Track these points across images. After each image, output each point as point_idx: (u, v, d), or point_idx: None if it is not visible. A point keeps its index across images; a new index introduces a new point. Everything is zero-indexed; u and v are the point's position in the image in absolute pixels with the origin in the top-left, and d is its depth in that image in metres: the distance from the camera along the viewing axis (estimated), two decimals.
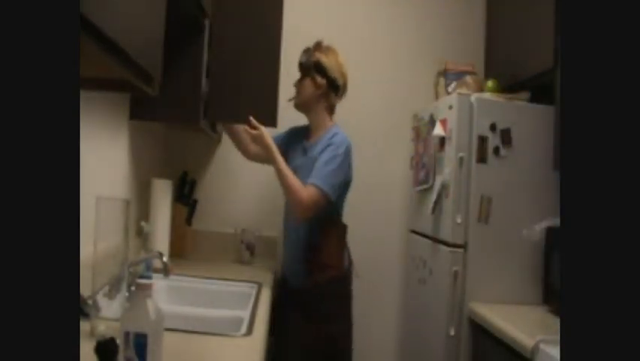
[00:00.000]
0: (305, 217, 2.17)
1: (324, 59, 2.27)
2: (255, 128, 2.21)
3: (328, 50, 2.32)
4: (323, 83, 2.26)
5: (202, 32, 2.12)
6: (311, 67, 2.28)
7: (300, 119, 2.42)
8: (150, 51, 1.05)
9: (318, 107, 2.31)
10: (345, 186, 2.25)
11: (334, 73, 2.27)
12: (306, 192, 2.12)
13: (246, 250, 2.62)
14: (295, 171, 2.23)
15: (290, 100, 2.35)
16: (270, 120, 2.23)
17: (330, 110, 2.33)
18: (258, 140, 2.22)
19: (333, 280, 2.25)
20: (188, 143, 2.83)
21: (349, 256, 2.34)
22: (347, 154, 2.21)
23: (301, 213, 2.17)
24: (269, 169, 2.87)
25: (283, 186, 2.20)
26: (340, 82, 2.29)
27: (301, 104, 2.33)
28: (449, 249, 2.24)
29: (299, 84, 2.33)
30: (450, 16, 2.99)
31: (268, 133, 2.23)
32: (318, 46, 2.32)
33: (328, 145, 2.20)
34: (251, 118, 2.20)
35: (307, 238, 2.24)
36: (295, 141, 2.40)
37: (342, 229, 2.32)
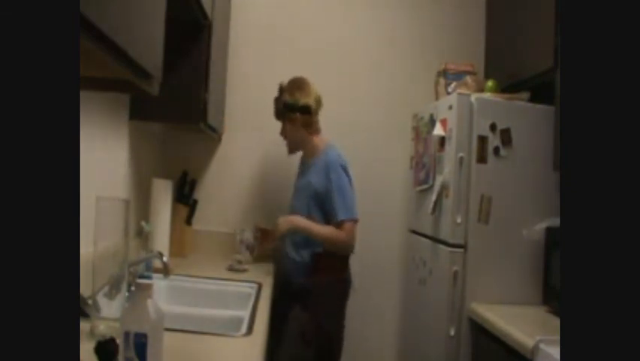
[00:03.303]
0: (353, 250, 2.32)
1: (288, 98, 2.36)
2: (268, 235, 2.49)
3: (292, 84, 2.40)
4: (298, 117, 2.36)
5: (202, 33, 2.12)
6: (282, 112, 2.39)
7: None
8: (150, 51, 1.05)
9: (305, 138, 2.41)
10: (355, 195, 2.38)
11: (302, 101, 2.35)
12: (342, 233, 2.25)
13: (245, 250, 2.62)
14: (297, 190, 2.45)
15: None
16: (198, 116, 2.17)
17: (315, 130, 2.42)
18: (283, 230, 2.36)
19: (332, 285, 2.33)
20: (188, 143, 2.83)
21: (349, 271, 2.42)
22: (345, 171, 2.32)
23: (349, 250, 2.32)
24: (269, 170, 2.89)
25: (321, 241, 2.31)
26: (312, 103, 2.37)
27: (293, 147, 2.48)
28: (449, 249, 2.23)
29: (282, 131, 2.45)
30: (450, 16, 2.99)
31: (283, 221, 2.36)
32: (281, 89, 2.42)
33: (327, 173, 2.29)
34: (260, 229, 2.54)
35: (312, 242, 2.31)
36: (301, 160, 2.54)
37: None
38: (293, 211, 2.45)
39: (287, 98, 2.36)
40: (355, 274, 2.45)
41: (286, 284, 2.44)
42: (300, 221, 2.33)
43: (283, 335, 2.30)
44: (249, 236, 2.64)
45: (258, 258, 2.66)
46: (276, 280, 2.46)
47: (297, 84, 2.38)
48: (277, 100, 2.42)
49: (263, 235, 2.55)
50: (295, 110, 2.35)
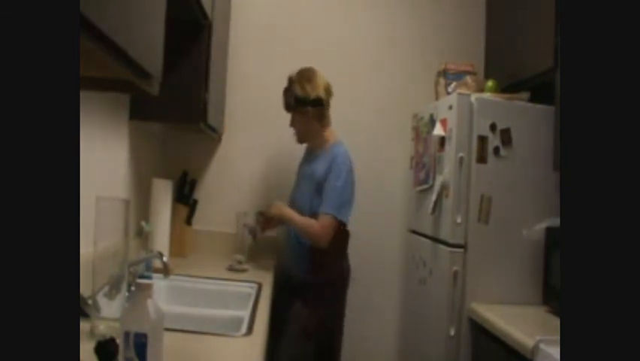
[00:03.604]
0: (324, 245, 2.25)
1: (299, 91, 2.33)
2: (269, 220, 2.44)
3: (301, 76, 2.37)
4: (310, 110, 2.34)
5: (202, 33, 2.12)
6: (293, 104, 2.36)
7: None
8: (150, 51, 1.05)
9: (316, 130, 2.40)
10: (352, 201, 2.34)
11: (314, 94, 2.33)
12: (318, 224, 2.24)
13: (248, 234, 2.58)
14: (300, 178, 2.44)
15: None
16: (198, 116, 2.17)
17: (326, 123, 2.41)
18: (278, 218, 2.39)
19: (332, 279, 2.34)
20: (188, 143, 2.83)
21: (348, 262, 2.43)
22: (350, 172, 2.30)
23: (320, 244, 2.25)
24: (269, 169, 2.89)
25: (298, 231, 2.32)
26: (323, 95, 2.35)
27: (302, 138, 2.45)
28: (449, 249, 2.23)
29: (292, 123, 2.42)
30: (450, 16, 2.99)
31: (277, 206, 2.39)
32: (291, 81, 2.38)
33: (331, 166, 2.28)
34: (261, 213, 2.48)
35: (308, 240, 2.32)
36: (308, 149, 2.52)
37: (344, 235, 2.38)
38: (294, 200, 2.45)
39: (298, 91, 2.33)
40: (355, 266, 2.45)
41: (287, 278, 2.45)
42: (285, 209, 2.35)
43: (284, 330, 2.31)
44: (250, 220, 2.60)
45: (260, 255, 2.65)
46: (278, 273, 2.46)
47: (306, 76, 2.35)
48: (287, 92, 2.39)
49: (265, 219, 2.52)
50: (307, 103, 2.33)
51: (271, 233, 2.60)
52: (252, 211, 2.64)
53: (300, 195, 2.41)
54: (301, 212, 2.34)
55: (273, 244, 2.75)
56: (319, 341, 2.26)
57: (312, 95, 2.32)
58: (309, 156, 2.48)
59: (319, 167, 2.33)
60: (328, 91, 2.37)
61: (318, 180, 2.30)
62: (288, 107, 2.40)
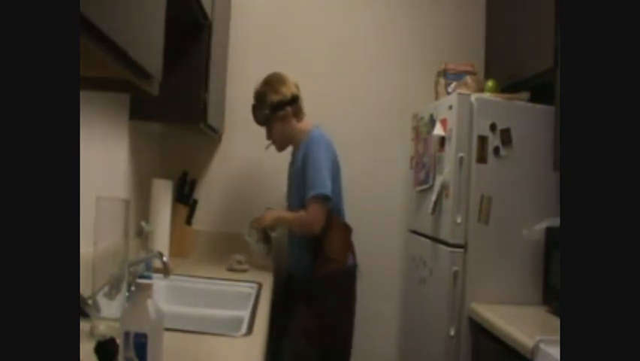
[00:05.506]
0: (318, 228, 2.24)
1: (275, 96, 2.32)
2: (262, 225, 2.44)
3: (271, 82, 2.35)
4: (287, 111, 2.33)
5: (202, 33, 2.12)
6: (269, 114, 2.34)
7: None
8: (150, 51, 1.05)
9: (295, 128, 2.37)
10: (334, 171, 2.31)
11: (288, 94, 2.32)
12: (305, 212, 2.23)
13: (263, 245, 2.50)
14: (289, 179, 2.45)
15: (267, 147, 2.46)
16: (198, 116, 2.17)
17: (302, 116, 2.39)
18: (274, 224, 2.42)
19: (336, 273, 2.31)
20: (188, 143, 2.83)
21: (354, 256, 2.41)
22: (322, 146, 2.27)
23: (313, 230, 2.24)
24: (268, 169, 2.89)
25: (292, 227, 2.40)
26: (296, 92, 2.35)
27: (283, 145, 2.44)
28: (449, 249, 2.23)
29: (271, 133, 2.40)
30: (450, 16, 2.99)
31: (267, 215, 2.41)
32: (261, 93, 2.35)
33: (306, 153, 2.28)
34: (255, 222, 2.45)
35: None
36: (293, 149, 2.49)
37: (346, 227, 2.38)
38: (289, 203, 2.44)
39: (273, 97, 2.31)
40: (360, 260, 2.43)
41: (289, 276, 2.45)
42: (275, 213, 2.40)
43: (286, 330, 2.30)
44: (254, 234, 2.54)
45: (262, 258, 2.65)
46: (282, 275, 2.46)
47: (277, 79, 2.35)
48: (258, 106, 2.36)
49: (261, 230, 2.49)
50: (285, 104, 2.32)
51: (272, 233, 2.59)
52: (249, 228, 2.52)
53: (292, 196, 2.41)
54: (297, 211, 2.33)
55: (274, 243, 2.75)
56: (323, 341, 2.23)
57: (289, 94, 2.32)
58: (293, 154, 2.46)
59: (299, 158, 2.32)
60: (297, 86, 2.38)
61: (299, 172, 2.29)
62: (264, 119, 2.36)
